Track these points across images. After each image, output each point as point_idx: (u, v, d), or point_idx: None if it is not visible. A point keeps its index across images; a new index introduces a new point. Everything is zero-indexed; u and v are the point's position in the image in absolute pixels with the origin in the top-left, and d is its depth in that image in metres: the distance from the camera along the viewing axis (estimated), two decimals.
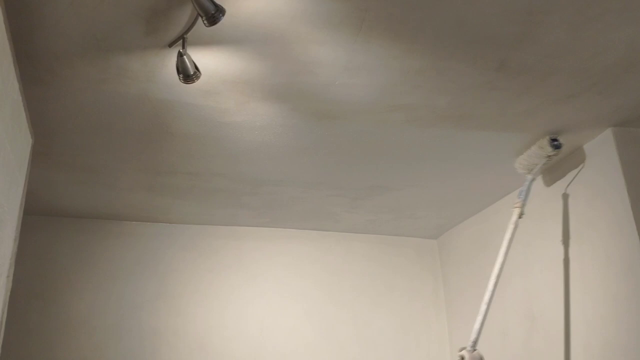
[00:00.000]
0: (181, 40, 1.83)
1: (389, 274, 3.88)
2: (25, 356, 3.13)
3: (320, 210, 3.47)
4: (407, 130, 2.50)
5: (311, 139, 2.57)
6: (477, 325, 2.44)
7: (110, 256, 3.44)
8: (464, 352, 2.35)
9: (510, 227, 2.56)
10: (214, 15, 1.62)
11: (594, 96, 2.26)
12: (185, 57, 1.84)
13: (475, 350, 2.37)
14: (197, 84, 1.99)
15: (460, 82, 2.14)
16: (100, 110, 2.27)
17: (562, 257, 2.78)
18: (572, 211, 2.74)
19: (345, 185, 3.09)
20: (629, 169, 2.45)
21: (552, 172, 2.89)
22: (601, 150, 2.57)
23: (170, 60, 1.94)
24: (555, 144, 2.51)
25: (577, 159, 2.72)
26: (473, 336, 2.40)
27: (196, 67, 1.90)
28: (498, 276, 2.50)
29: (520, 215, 2.59)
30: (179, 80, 1.91)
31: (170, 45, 1.87)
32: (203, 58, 1.94)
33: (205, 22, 1.63)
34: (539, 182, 2.99)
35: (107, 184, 3.00)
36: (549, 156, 2.55)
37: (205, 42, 1.87)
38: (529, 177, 2.65)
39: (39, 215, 3.39)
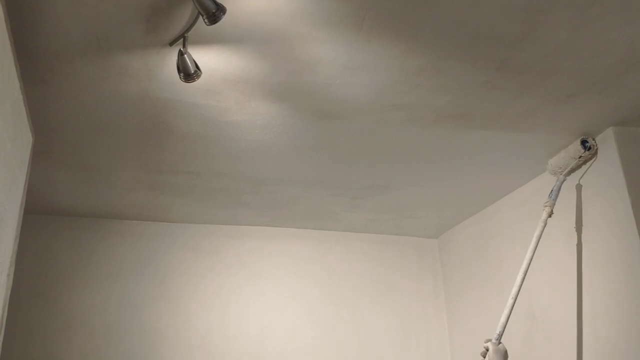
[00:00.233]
0: (182, 39, 1.83)
1: (389, 273, 3.88)
2: (26, 355, 3.13)
3: (321, 210, 3.47)
4: (408, 129, 2.50)
5: (311, 138, 2.57)
6: (503, 319, 2.48)
7: (110, 255, 3.44)
8: (489, 344, 2.38)
9: (541, 224, 2.62)
10: (214, 14, 1.62)
11: (594, 96, 2.26)
12: (185, 55, 1.84)
13: (500, 343, 2.39)
14: (198, 83, 1.99)
15: (461, 81, 2.14)
16: (100, 109, 2.27)
17: (562, 256, 2.78)
18: (572, 210, 2.73)
19: (346, 185, 3.09)
20: (630, 168, 2.45)
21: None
22: (602, 150, 2.58)
23: (170, 59, 1.94)
24: (587, 145, 2.58)
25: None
26: (499, 329, 2.44)
27: (197, 66, 1.90)
28: (526, 272, 2.55)
29: (550, 214, 2.65)
30: (179, 79, 1.91)
31: (171, 44, 1.87)
32: (204, 57, 1.94)
33: (206, 20, 1.63)
34: (540, 181, 2.99)
35: (108, 183, 3.00)
36: (580, 157, 2.61)
37: (206, 41, 1.87)
38: (560, 177, 2.72)
39: (40, 214, 3.39)
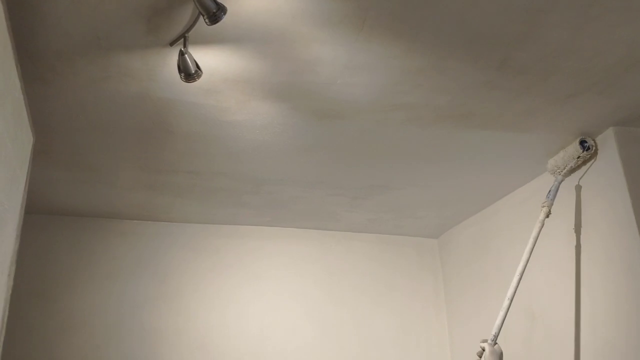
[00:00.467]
0: (182, 39, 1.83)
1: (389, 273, 3.88)
2: (26, 355, 3.13)
3: (321, 210, 3.48)
4: (408, 129, 2.50)
5: (312, 138, 2.57)
6: (499, 321, 2.49)
7: (111, 255, 3.45)
8: (485, 345, 2.39)
9: (538, 225, 2.62)
10: (215, 14, 1.62)
11: (595, 96, 2.26)
12: (186, 55, 1.84)
13: (496, 344, 2.40)
14: (198, 82, 1.99)
15: (461, 81, 2.14)
16: (101, 108, 2.28)
17: (562, 256, 2.78)
18: (572, 210, 2.74)
19: (346, 185, 3.09)
20: (630, 168, 2.46)
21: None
22: (602, 150, 2.58)
23: (171, 58, 1.94)
24: (586, 146, 2.57)
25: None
26: (495, 330, 2.45)
27: (197, 66, 1.90)
28: (522, 273, 2.55)
29: (548, 215, 2.64)
30: (180, 79, 1.91)
31: (172, 44, 1.87)
32: (204, 57, 1.94)
33: (206, 20, 1.63)
34: (540, 182, 2.99)
35: (108, 183, 3.00)
36: (579, 157, 2.61)
37: (206, 41, 1.87)
38: (559, 177, 2.72)
39: (40, 214, 3.39)
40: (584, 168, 2.70)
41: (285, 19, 1.78)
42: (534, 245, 2.59)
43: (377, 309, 3.77)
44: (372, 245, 3.91)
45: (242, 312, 3.52)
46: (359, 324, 3.68)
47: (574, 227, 2.72)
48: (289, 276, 3.68)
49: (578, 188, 2.72)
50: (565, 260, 2.76)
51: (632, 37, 1.90)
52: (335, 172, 2.93)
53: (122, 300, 3.36)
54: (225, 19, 1.66)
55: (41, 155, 2.61)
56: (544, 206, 2.67)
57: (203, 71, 1.94)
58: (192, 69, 1.88)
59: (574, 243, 2.71)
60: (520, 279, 2.55)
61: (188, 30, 1.80)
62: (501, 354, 2.39)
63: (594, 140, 2.59)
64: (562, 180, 2.73)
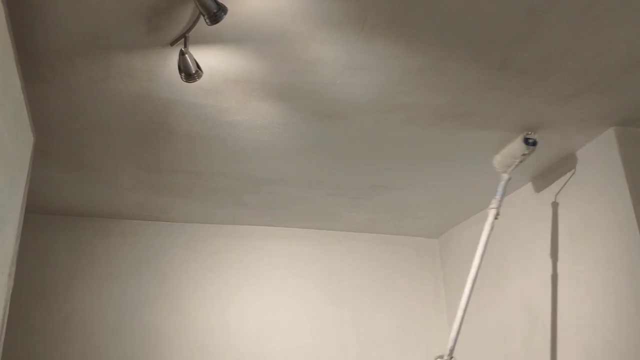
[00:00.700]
0: (183, 39, 1.83)
1: (390, 273, 3.88)
2: (27, 354, 3.13)
3: (321, 210, 3.47)
4: (408, 129, 2.50)
5: (312, 138, 2.57)
6: (453, 334, 2.38)
7: (111, 255, 3.45)
8: None
9: (487, 228, 2.51)
10: (215, 14, 1.62)
11: (595, 96, 2.26)
12: (186, 55, 1.84)
13: (452, 358, 2.33)
14: (199, 82, 1.99)
15: (462, 81, 2.14)
16: (101, 108, 2.27)
17: (562, 256, 2.78)
18: (573, 210, 2.74)
19: (346, 185, 3.09)
20: (631, 168, 2.45)
21: (554, 171, 2.89)
22: (602, 150, 2.57)
23: (171, 58, 1.94)
24: (530, 142, 2.47)
25: (570, 162, 2.74)
26: (450, 344, 2.35)
27: (198, 66, 1.90)
28: (474, 280, 2.43)
29: (497, 216, 2.54)
30: (180, 79, 1.91)
31: (172, 43, 1.87)
32: (205, 57, 1.94)
33: (207, 20, 1.63)
34: (541, 181, 2.99)
35: (108, 183, 3.00)
36: (524, 154, 2.51)
37: (207, 41, 1.87)
38: (505, 176, 2.60)
39: (40, 214, 3.39)
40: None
41: (286, 19, 1.78)
42: (484, 251, 2.48)
43: (377, 309, 3.76)
44: (372, 245, 3.91)
45: (242, 312, 3.52)
46: (359, 324, 3.68)
47: (574, 227, 2.72)
48: (289, 276, 3.68)
49: (578, 188, 2.71)
50: (565, 260, 2.76)
51: (632, 37, 1.90)
52: (336, 172, 2.93)
53: (123, 300, 3.36)
54: (226, 19, 1.66)
55: (41, 155, 2.61)
56: (492, 208, 2.55)
57: (203, 71, 1.94)
58: (193, 69, 1.88)
59: (574, 243, 2.70)
60: (472, 287, 2.42)
61: (188, 30, 1.80)
62: None
63: (535, 134, 2.48)
64: (508, 179, 2.61)
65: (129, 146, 2.60)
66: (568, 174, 2.78)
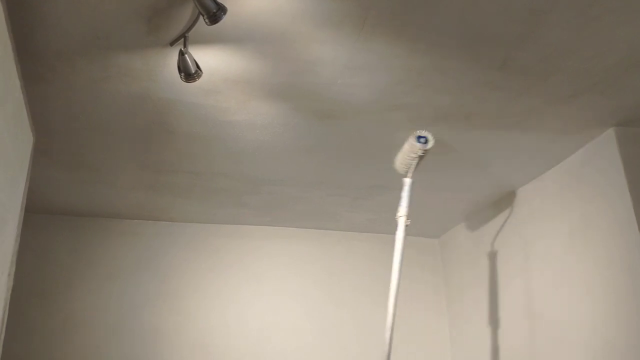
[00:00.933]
0: (182, 39, 1.83)
1: (390, 273, 3.87)
2: (26, 354, 3.13)
3: (321, 210, 3.47)
4: (409, 129, 2.50)
5: (312, 139, 2.57)
6: (385, 356, 2.24)
7: (111, 255, 3.45)
8: None
9: (400, 238, 2.37)
10: (215, 14, 1.62)
11: (595, 96, 2.26)
12: (186, 55, 1.84)
13: None
14: (198, 82, 1.99)
15: (462, 81, 2.14)
16: (101, 108, 2.27)
17: (562, 256, 2.78)
18: (573, 210, 2.73)
19: (346, 185, 3.09)
20: (631, 168, 2.45)
21: (554, 173, 2.89)
22: (603, 150, 2.57)
23: (171, 58, 1.94)
24: (422, 141, 2.36)
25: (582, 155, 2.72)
26: None
27: (197, 66, 1.90)
28: (396, 295, 2.27)
29: (407, 223, 2.41)
30: (180, 78, 1.91)
31: (172, 43, 1.87)
32: (204, 57, 1.94)
33: (206, 20, 1.63)
34: (542, 180, 2.99)
35: (108, 183, 3.00)
36: (420, 156, 2.40)
37: (206, 41, 1.87)
38: (408, 180, 2.48)
39: (40, 214, 3.39)
40: (586, 166, 2.68)
41: (286, 19, 1.78)
42: (400, 264, 2.35)
43: (377, 308, 3.76)
44: (372, 245, 3.90)
45: (243, 312, 3.52)
46: (359, 324, 3.68)
47: (574, 226, 2.72)
48: (289, 276, 3.68)
49: (578, 188, 2.70)
50: (565, 260, 2.76)
51: (632, 37, 1.90)
52: (336, 172, 2.93)
53: (123, 300, 3.36)
54: (226, 19, 1.66)
55: (41, 155, 2.61)
56: (400, 216, 2.41)
57: (203, 71, 1.94)
58: (192, 69, 1.88)
59: (574, 243, 2.70)
60: (395, 302, 2.25)
61: (188, 30, 1.80)
62: None
63: (427, 131, 2.38)
64: (411, 183, 2.48)
65: (129, 146, 2.60)
66: (568, 173, 2.78)
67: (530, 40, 1.91)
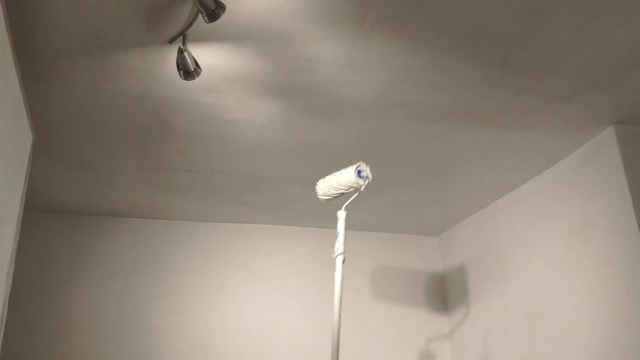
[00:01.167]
0: (181, 37, 1.83)
1: (390, 272, 3.88)
2: (26, 353, 3.13)
3: (321, 208, 3.46)
4: (408, 128, 2.50)
5: (311, 137, 2.57)
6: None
7: (110, 253, 3.45)
8: None
9: (338, 277, 2.23)
10: (214, 12, 1.62)
11: (595, 94, 2.26)
12: (185, 53, 1.84)
13: None
14: (198, 80, 1.99)
15: (462, 79, 2.14)
16: (100, 107, 2.27)
17: (562, 256, 2.78)
18: (573, 209, 2.73)
19: None
20: (631, 166, 2.45)
21: (554, 171, 2.89)
22: (603, 148, 2.57)
23: (170, 56, 1.94)
24: (362, 175, 2.27)
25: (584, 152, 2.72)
26: None
27: (196, 64, 1.90)
28: (339, 330, 2.15)
29: (343, 261, 2.28)
30: (179, 76, 1.90)
31: (171, 41, 1.87)
32: (203, 54, 1.94)
33: (205, 18, 1.63)
34: (540, 180, 2.99)
35: (108, 181, 3.00)
36: (354, 187, 2.30)
37: (205, 39, 1.87)
38: (343, 213, 2.36)
39: (40, 212, 3.39)
40: (587, 164, 2.68)
41: (285, 17, 1.78)
42: (341, 300, 2.21)
43: (377, 308, 3.76)
44: (373, 243, 3.90)
45: (242, 311, 3.52)
46: (359, 324, 3.68)
47: (574, 226, 2.72)
48: (288, 275, 3.68)
49: (578, 186, 2.70)
50: (565, 260, 2.76)
51: (632, 36, 1.90)
52: (336, 170, 2.92)
53: (122, 298, 3.36)
54: (225, 17, 1.65)
55: (41, 154, 2.61)
56: (338, 254, 2.28)
57: (202, 69, 1.94)
58: (191, 67, 1.88)
59: (574, 242, 2.70)
60: (338, 338, 2.15)
61: (187, 27, 1.80)
62: None
63: (367, 165, 2.28)
64: (345, 215, 2.35)
65: (128, 145, 2.60)
66: (567, 173, 2.78)
67: (530, 39, 1.90)
